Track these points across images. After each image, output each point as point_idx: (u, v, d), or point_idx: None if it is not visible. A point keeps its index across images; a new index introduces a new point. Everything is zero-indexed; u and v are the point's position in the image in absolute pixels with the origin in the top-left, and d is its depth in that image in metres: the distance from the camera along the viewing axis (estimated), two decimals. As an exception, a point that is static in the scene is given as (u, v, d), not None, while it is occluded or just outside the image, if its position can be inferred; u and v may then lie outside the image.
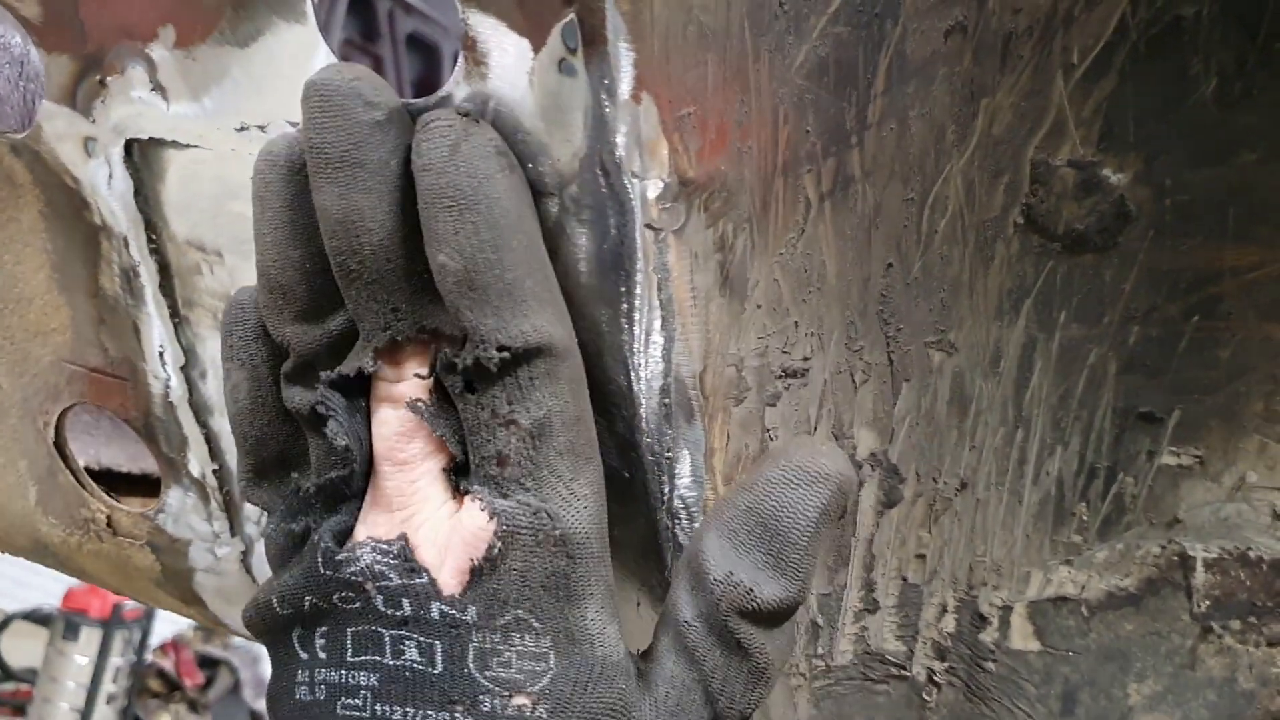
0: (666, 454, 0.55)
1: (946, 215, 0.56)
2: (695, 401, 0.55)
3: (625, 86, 0.46)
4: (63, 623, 5.63)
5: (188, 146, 0.57)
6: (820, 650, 0.61)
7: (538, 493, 0.46)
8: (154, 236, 0.61)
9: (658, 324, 0.52)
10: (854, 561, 0.61)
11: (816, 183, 0.53)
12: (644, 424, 0.54)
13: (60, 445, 0.73)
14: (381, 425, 0.49)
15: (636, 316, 0.52)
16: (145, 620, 5.89)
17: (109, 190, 0.60)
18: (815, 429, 0.58)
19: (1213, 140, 0.54)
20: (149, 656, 5.96)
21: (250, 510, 0.69)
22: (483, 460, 0.46)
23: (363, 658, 0.47)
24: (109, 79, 0.56)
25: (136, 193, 0.60)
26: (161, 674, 6.37)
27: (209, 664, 6.45)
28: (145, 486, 0.94)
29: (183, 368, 0.64)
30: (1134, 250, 0.57)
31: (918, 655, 0.62)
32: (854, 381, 0.58)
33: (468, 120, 0.45)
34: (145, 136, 0.58)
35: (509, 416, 0.45)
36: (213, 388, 0.65)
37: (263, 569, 0.71)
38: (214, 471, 0.68)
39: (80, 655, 5.60)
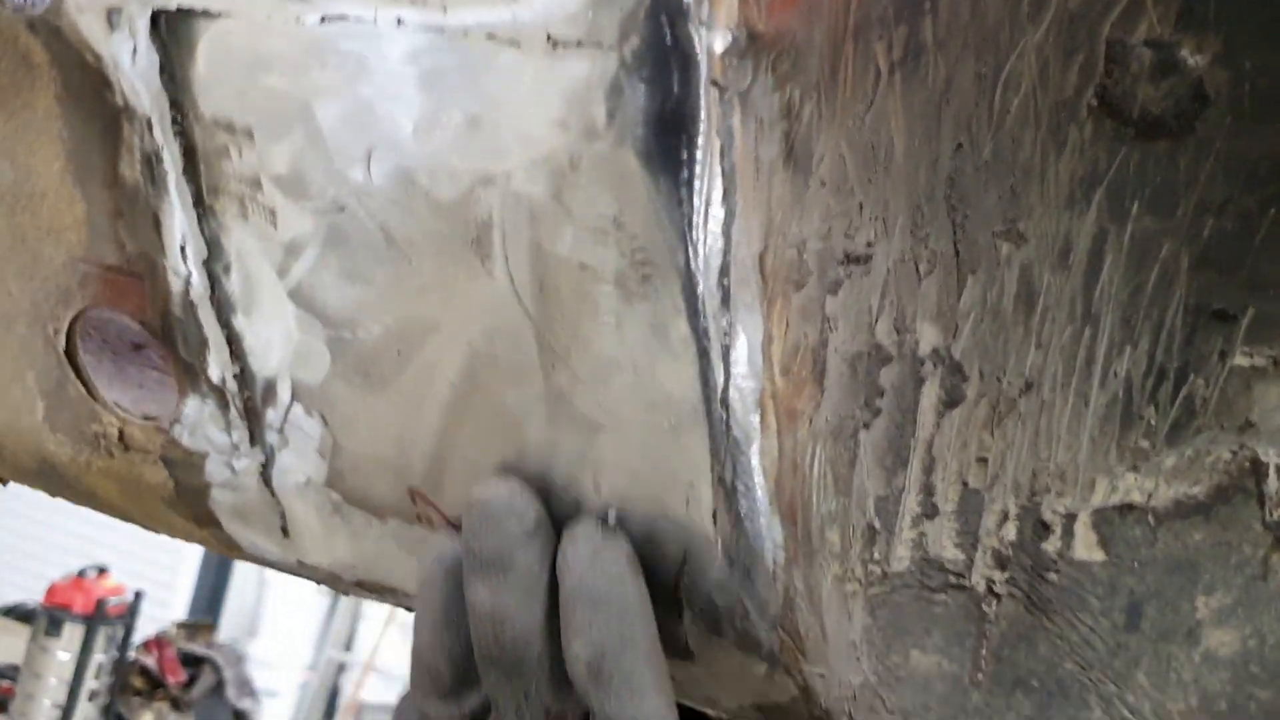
0: (723, 339, 0.52)
1: (1019, 95, 0.53)
2: (755, 284, 0.52)
3: (697, -78, 0.43)
4: (45, 619, 5.58)
5: (219, 16, 0.54)
6: (876, 555, 0.58)
7: None
8: (179, 117, 0.58)
9: (718, 195, 0.49)
10: (913, 463, 0.58)
11: (888, 50, 0.50)
12: (701, 306, 0.51)
13: (71, 354, 0.70)
14: None
15: (697, 185, 0.49)
16: (129, 617, 5.84)
17: (133, 67, 0.57)
18: (877, 321, 0.55)
19: (1298, 15, 0.52)
20: (132, 654, 5.91)
21: (272, 417, 0.66)
22: None
23: None
24: (136, -62, 0.53)
25: (162, 69, 0.57)
26: (144, 671, 6.32)
27: (192, 662, 6.40)
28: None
29: (205, 262, 0.61)
30: (1211, 137, 0.54)
31: (977, 564, 0.59)
32: (918, 272, 0.55)
33: (606, 529, 0.53)
34: (174, 7, 0.55)
35: None
36: (236, 283, 0.62)
37: (283, 482, 0.67)
38: (235, 375, 0.65)
39: (63, 651, 5.55)
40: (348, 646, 7.24)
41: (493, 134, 0.51)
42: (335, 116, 0.54)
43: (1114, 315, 0.57)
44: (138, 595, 5.96)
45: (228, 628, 7.11)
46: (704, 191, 0.49)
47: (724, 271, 0.51)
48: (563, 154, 0.50)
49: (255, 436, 0.67)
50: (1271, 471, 0.57)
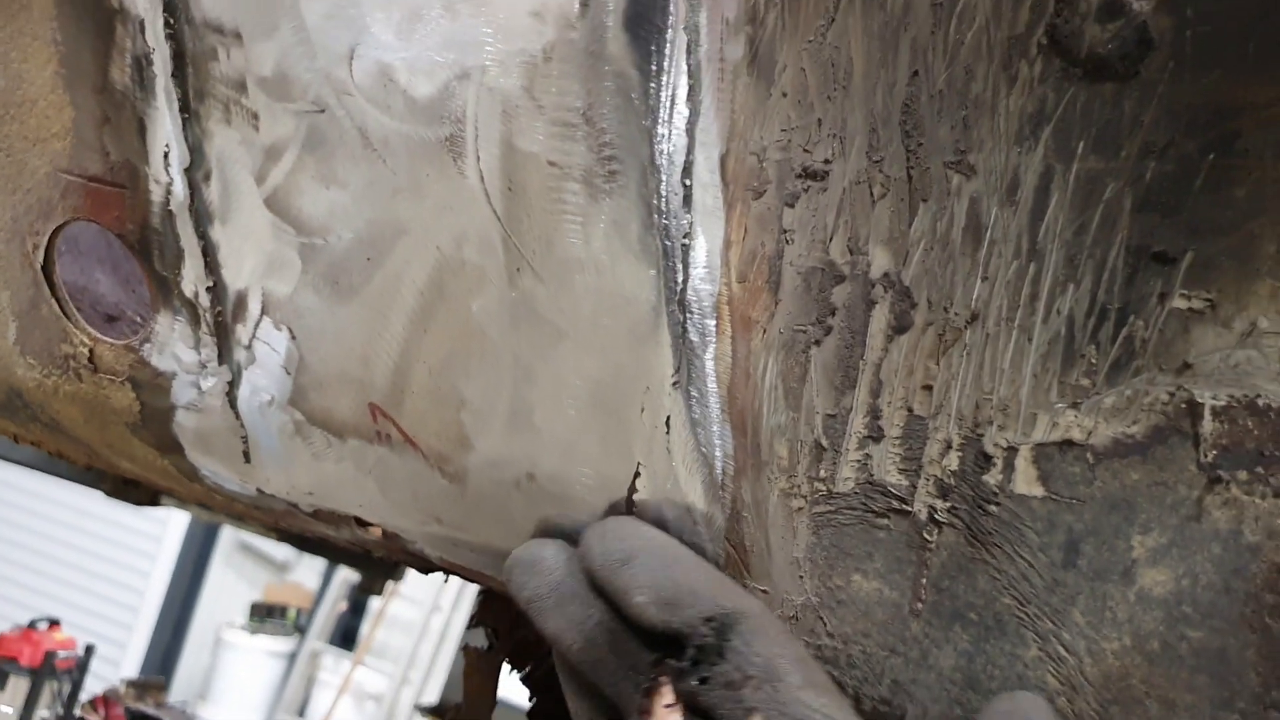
0: (683, 239, 0.54)
1: (973, 27, 0.56)
2: (717, 185, 0.54)
3: None
4: (-11, 670, 5.46)
5: (216, -83, 0.57)
6: (823, 473, 0.60)
7: None
8: (172, 20, 0.60)
9: (683, 93, 0.52)
10: (861, 385, 0.59)
11: (849, -31, 0.53)
12: (664, 204, 0.53)
13: (48, 269, 0.71)
14: None
15: (664, 81, 0.51)
16: (77, 672, 5.73)
17: (130, -33, 0.59)
18: (832, 239, 0.57)
19: (1238, -34, 0.55)
20: (78, 711, 5.79)
21: (241, 333, 0.67)
22: None
23: None
24: None
25: (158, -29, 0.59)
26: (90, 729, 6.17)
27: (141, 721, 6.27)
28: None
29: (187, 169, 0.63)
30: (1154, 81, 0.57)
31: (920, 491, 0.61)
32: (872, 194, 0.57)
33: (607, 520, 0.58)
34: (174, -93, 0.57)
35: (744, 676, 0.50)
36: (215, 192, 0.63)
37: (248, 403, 0.69)
38: (208, 289, 0.66)
39: (5, 705, 5.43)
40: (301, 712, 7.11)
41: (471, 26, 0.53)
42: (321, 14, 0.56)
43: (1058, 253, 0.59)
44: (88, 650, 5.86)
45: (179, 689, 6.98)
46: (670, 88, 0.51)
47: (686, 170, 0.53)
48: (537, 45, 0.52)
49: (224, 353, 0.68)
50: (1207, 413, 0.59)
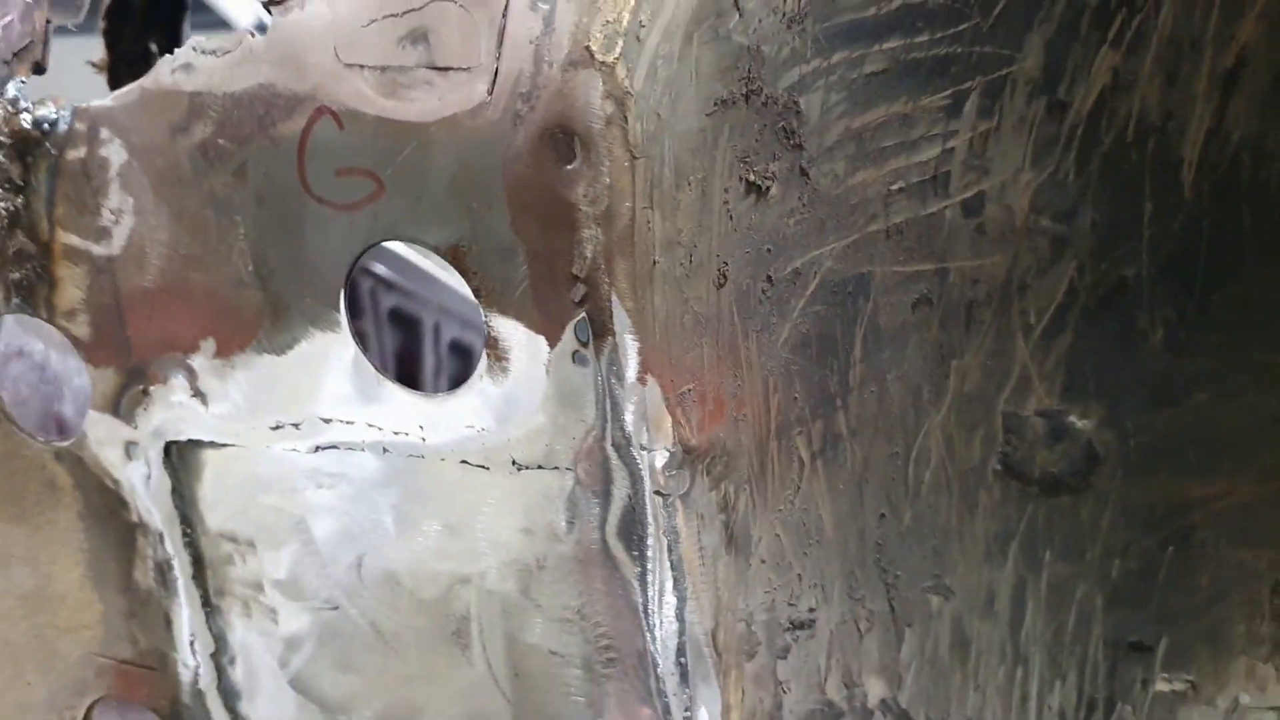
0: (685, 713, 0.57)
1: (930, 467, 0.60)
2: (710, 659, 0.57)
3: (631, 371, 0.51)
4: None
5: (225, 446, 0.61)
6: None
7: None
8: (189, 531, 0.64)
9: (670, 585, 0.56)
10: (874, 809, 0.62)
11: (808, 443, 0.57)
12: (662, 684, 0.57)
13: (85, 741, 0.74)
14: None
15: (650, 578, 0.55)
16: None
17: (147, 490, 0.64)
18: (826, 679, 0.60)
19: (1166, 384, 0.60)
20: None
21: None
22: None
23: None
24: (152, 388, 0.61)
25: (173, 490, 0.64)
26: None
27: None
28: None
29: (213, 655, 0.67)
30: (1106, 489, 0.61)
31: None
32: (859, 630, 0.61)
33: None
34: (184, 438, 0.62)
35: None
36: (241, 673, 0.67)
37: None
38: (241, 758, 0.69)
39: None
40: None
41: (468, 541, 0.58)
42: (328, 529, 0.61)
43: (1041, 654, 0.62)
44: None
45: None
46: (657, 583, 0.55)
47: (680, 651, 0.56)
48: (530, 556, 0.56)
49: (260, 814, 0.71)
50: (1206, 791, 0.62)
